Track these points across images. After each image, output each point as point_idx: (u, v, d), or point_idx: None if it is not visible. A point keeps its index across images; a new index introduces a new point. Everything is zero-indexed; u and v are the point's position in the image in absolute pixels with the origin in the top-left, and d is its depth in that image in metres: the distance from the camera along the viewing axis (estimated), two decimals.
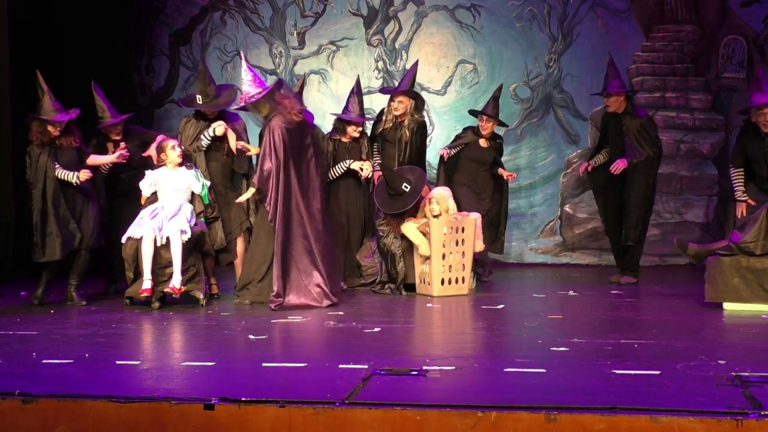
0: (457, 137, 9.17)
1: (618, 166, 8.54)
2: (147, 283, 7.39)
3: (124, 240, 7.55)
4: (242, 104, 7.49)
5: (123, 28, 11.04)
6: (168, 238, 7.41)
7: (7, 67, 8.93)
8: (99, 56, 10.42)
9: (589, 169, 8.82)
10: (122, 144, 7.87)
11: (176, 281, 7.39)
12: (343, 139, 8.51)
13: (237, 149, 7.98)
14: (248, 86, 7.34)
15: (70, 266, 7.71)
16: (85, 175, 7.50)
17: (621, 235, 8.75)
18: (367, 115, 9.25)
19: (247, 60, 7.76)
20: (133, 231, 7.50)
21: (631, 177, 8.57)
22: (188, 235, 7.48)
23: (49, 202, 7.46)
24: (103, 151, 8.02)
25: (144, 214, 7.58)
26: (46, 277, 7.65)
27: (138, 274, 7.50)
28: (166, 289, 7.41)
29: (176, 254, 7.42)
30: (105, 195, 7.98)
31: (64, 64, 10.05)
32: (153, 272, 7.41)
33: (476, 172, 8.95)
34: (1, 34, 8.90)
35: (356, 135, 8.50)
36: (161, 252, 7.44)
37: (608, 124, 8.79)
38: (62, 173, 7.49)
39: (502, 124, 9.20)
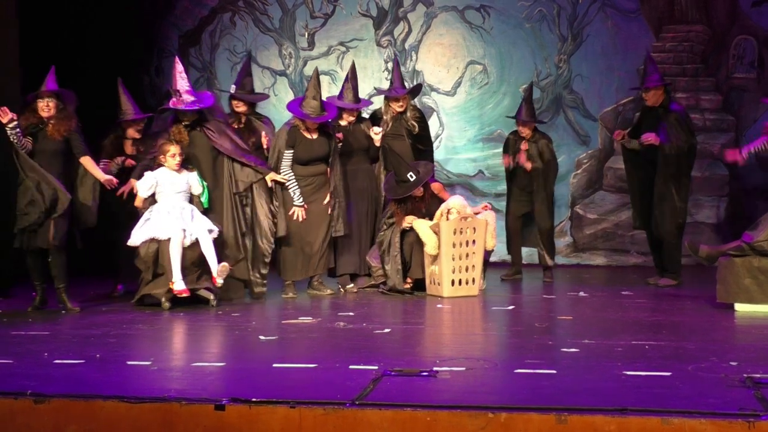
0: (505, 145, 9.27)
1: (649, 138, 8.33)
2: (180, 284, 7.37)
3: (138, 242, 7.50)
4: (181, 107, 7.79)
5: (133, 29, 11.06)
6: (195, 239, 7.47)
7: (18, 69, 8.96)
8: (109, 57, 10.44)
9: (625, 136, 8.58)
10: (114, 180, 7.62)
11: (214, 271, 7.46)
12: (342, 124, 8.52)
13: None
14: (186, 94, 7.81)
15: (49, 273, 7.44)
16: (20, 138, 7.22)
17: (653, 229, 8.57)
18: (365, 99, 9.36)
19: (183, 64, 8.08)
20: (155, 232, 7.44)
21: (662, 167, 8.34)
22: (216, 233, 7.56)
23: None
24: (119, 150, 8.06)
25: (153, 216, 7.53)
26: (37, 278, 7.54)
27: (156, 275, 7.48)
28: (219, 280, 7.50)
29: (209, 252, 7.47)
30: (98, 198, 7.70)
31: (73, 65, 10.06)
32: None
33: (523, 176, 9.01)
34: (11, 35, 8.93)
35: (352, 119, 8.52)
36: (185, 253, 7.45)
37: (644, 117, 8.64)
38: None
39: (539, 122, 9.25)
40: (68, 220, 7.40)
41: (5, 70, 8.81)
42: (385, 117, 8.77)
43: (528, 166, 8.91)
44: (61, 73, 8.03)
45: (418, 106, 9.38)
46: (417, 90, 9.22)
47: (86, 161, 7.51)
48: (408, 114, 8.75)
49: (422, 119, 8.96)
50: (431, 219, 8.15)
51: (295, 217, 8.06)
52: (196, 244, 7.49)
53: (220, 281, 7.50)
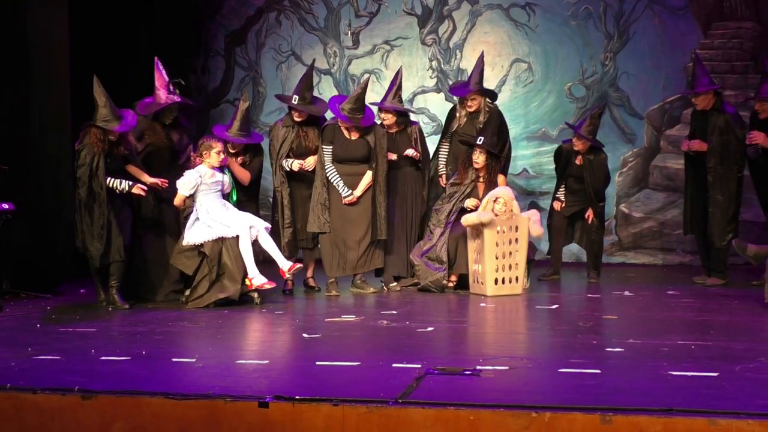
0: (557, 155, 9.18)
1: (694, 144, 8.32)
2: (260, 278, 7.47)
3: (200, 241, 7.47)
4: (177, 102, 7.88)
5: (179, 28, 11.16)
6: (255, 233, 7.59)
7: (68, 70, 9.07)
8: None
9: (690, 146, 8.46)
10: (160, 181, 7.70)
11: (285, 265, 7.62)
12: (388, 130, 8.50)
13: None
14: (175, 91, 7.94)
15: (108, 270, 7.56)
16: (138, 189, 7.42)
17: (705, 234, 8.43)
18: (406, 106, 9.29)
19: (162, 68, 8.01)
20: (222, 231, 7.46)
21: (714, 173, 8.27)
22: (270, 228, 7.69)
23: (105, 207, 7.38)
24: None
25: (205, 215, 7.52)
26: (100, 278, 7.65)
27: (218, 275, 7.47)
28: (288, 274, 7.72)
29: (270, 246, 7.58)
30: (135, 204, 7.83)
31: (121, 65, 10.16)
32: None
33: (574, 183, 8.96)
34: (61, 37, 9.04)
35: (385, 122, 8.45)
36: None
37: (696, 121, 8.53)
38: (111, 182, 7.40)
39: (596, 143, 8.94)
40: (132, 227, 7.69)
41: (57, 72, 8.92)
42: (459, 113, 8.76)
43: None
44: (109, 73, 8.14)
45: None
46: (488, 94, 8.84)
47: (132, 168, 7.65)
48: (481, 116, 8.67)
49: (498, 118, 8.75)
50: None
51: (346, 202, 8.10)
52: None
53: (289, 275, 7.76)
